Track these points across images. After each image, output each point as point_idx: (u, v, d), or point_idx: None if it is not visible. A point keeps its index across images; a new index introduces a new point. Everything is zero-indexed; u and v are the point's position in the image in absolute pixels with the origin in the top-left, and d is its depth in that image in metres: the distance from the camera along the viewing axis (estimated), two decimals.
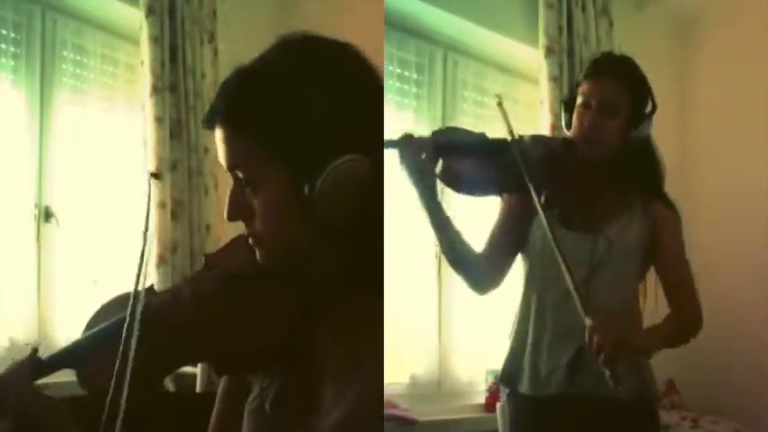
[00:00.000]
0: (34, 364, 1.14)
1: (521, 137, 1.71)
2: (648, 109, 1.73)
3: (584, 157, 1.71)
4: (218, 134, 1.03)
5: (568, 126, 1.76)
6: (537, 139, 1.75)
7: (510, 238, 1.75)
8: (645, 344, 1.66)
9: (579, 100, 1.72)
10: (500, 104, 1.74)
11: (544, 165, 1.67)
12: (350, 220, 1.00)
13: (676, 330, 1.73)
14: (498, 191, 1.70)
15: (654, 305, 1.78)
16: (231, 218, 1.03)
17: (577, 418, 1.68)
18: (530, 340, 1.73)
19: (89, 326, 1.19)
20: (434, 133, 1.68)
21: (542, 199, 1.62)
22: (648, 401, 1.74)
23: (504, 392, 1.85)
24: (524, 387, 1.73)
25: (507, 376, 1.78)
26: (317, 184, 0.97)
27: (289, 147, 0.98)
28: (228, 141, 1.02)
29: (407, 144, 1.60)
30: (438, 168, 1.63)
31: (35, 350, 1.16)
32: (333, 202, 0.98)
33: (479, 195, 1.72)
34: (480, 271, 1.76)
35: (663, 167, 1.79)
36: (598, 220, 1.71)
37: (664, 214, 1.74)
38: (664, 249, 1.73)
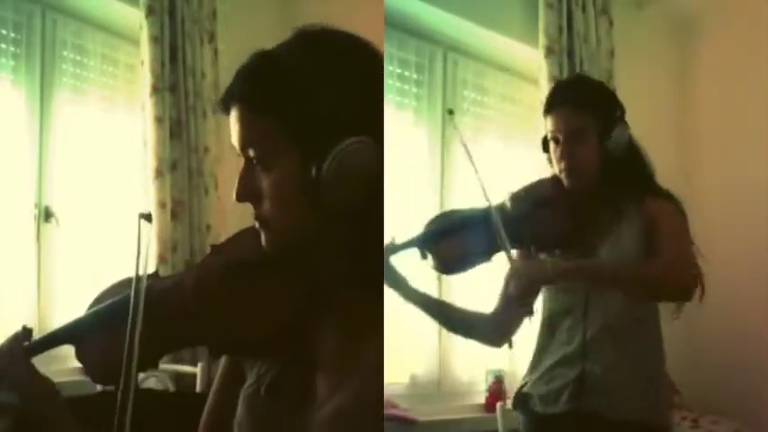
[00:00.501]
0: (25, 339, 1.15)
1: (505, 200, 1.73)
2: (617, 115, 1.74)
3: (572, 188, 1.72)
4: (233, 114, 1.05)
5: (551, 163, 1.77)
6: (520, 192, 1.76)
7: (534, 298, 1.76)
8: (567, 272, 1.59)
9: (549, 137, 1.75)
10: (450, 113, 1.76)
11: (529, 217, 1.69)
12: (356, 203, 1.01)
13: (649, 272, 1.61)
14: (487, 258, 1.70)
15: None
16: (240, 198, 1.05)
17: None
18: (543, 367, 1.76)
19: (91, 307, 1.20)
20: (427, 224, 1.72)
21: (533, 249, 1.69)
22: (658, 427, 1.72)
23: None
24: (536, 405, 1.76)
25: (521, 399, 1.80)
26: (324, 166, 0.99)
27: (301, 129, 1.01)
28: (243, 120, 1.04)
29: None
30: (430, 261, 1.68)
31: (24, 327, 1.17)
32: (339, 183, 0.99)
33: (470, 269, 1.73)
34: (487, 331, 1.83)
35: (650, 164, 1.78)
36: (594, 242, 1.71)
37: (656, 207, 1.71)
38: (658, 237, 1.67)
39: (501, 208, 1.69)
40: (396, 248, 1.67)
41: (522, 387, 1.80)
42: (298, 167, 1.00)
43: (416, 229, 1.71)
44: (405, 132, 2.92)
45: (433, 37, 3.00)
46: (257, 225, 1.06)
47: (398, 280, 1.70)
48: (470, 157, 1.73)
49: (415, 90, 2.99)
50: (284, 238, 1.05)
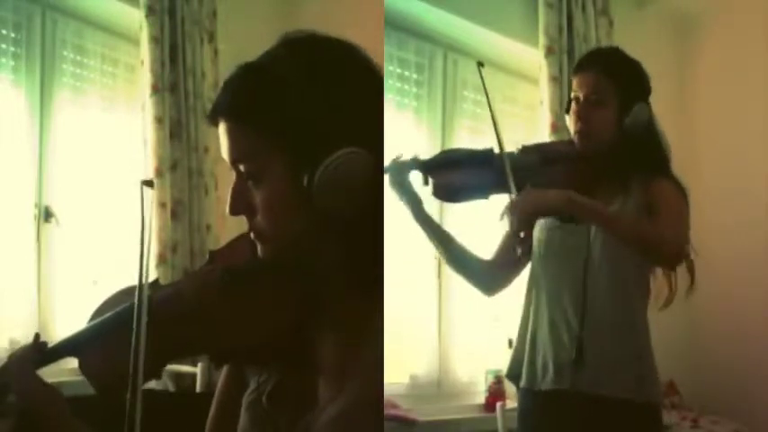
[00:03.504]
0: (37, 351, 1.15)
1: (515, 149, 1.78)
2: (641, 92, 1.75)
3: (583, 152, 1.74)
4: (222, 128, 1.04)
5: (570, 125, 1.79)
6: (532, 145, 1.80)
7: (528, 236, 1.76)
8: (555, 204, 1.59)
9: (572, 96, 1.77)
10: (480, 65, 1.79)
11: (534, 169, 1.72)
12: (349, 213, 1.01)
13: (644, 229, 1.63)
14: (485, 195, 1.75)
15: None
16: (233, 212, 1.04)
17: (571, 412, 1.70)
18: (528, 337, 1.77)
19: (92, 319, 1.20)
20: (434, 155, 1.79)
21: None
22: (645, 404, 1.71)
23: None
24: (523, 381, 1.77)
25: (511, 372, 1.83)
26: (316, 176, 0.98)
27: (290, 140, 1.00)
28: (231, 134, 1.03)
29: (391, 167, 1.73)
30: (430, 187, 1.74)
31: (38, 335, 1.17)
32: (331, 193, 0.98)
33: (466, 201, 1.80)
34: (483, 275, 1.86)
35: (666, 149, 1.80)
36: None
37: (662, 189, 1.71)
38: (656, 216, 1.67)
39: (510, 154, 1.73)
40: (401, 166, 1.73)
41: (512, 362, 1.82)
42: (289, 179, 1.00)
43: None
44: (405, 132, 2.92)
45: (433, 37, 2.99)
46: (252, 236, 1.05)
47: (413, 198, 1.76)
48: (486, 94, 1.78)
49: (415, 90, 2.99)
50: (280, 248, 1.04)
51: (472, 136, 3.02)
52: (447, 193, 1.77)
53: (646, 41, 3.37)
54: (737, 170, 3.32)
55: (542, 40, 2.98)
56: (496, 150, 1.75)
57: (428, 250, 2.81)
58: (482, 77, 1.79)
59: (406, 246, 2.75)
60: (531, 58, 3.04)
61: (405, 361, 2.87)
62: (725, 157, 3.37)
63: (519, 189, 1.67)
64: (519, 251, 1.58)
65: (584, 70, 1.77)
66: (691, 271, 1.72)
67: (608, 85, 1.73)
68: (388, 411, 2.58)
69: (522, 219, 1.56)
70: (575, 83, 1.77)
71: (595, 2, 3.11)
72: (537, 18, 2.99)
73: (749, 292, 3.15)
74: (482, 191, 1.74)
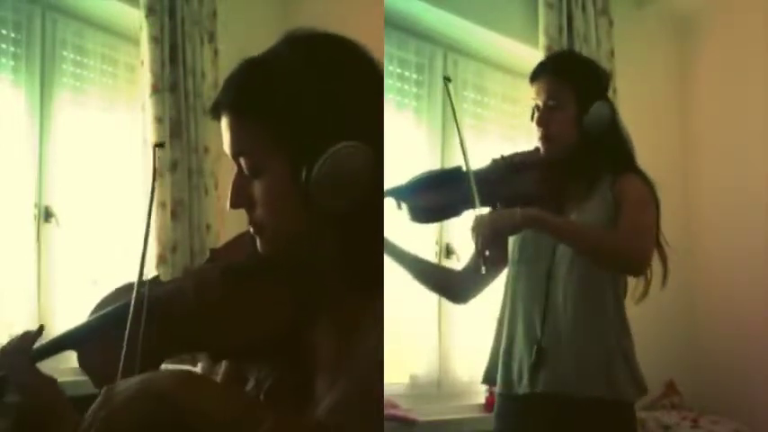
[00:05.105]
0: (34, 342, 1.15)
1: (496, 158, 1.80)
2: (597, 90, 1.78)
3: (548, 157, 1.76)
4: (224, 122, 1.05)
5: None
6: (500, 157, 1.81)
7: (494, 252, 1.77)
8: (516, 222, 1.62)
9: (533, 105, 1.80)
10: (446, 80, 1.80)
11: (503, 179, 1.75)
12: (348, 206, 1.01)
13: (606, 240, 1.66)
14: (456, 213, 1.76)
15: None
16: (233, 205, 1.05)
17: (545, 414, 1.72)
18: (503, 343, 1.81)
19: (92, 314, 1.21)
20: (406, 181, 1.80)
21: (500, 208, 1.74)
22: (616, 402, 1.71)
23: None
24: (499, 386, 1.81)
25: (487, 376, 1.88)
26: (315, 170, 0.98)
27: (291, 134, 1.01)
28: (233, 128, 1.04)
29: None
30: (405, 211, 1.76)
31: (41, 327, 1.18)
32: (329, 187, 0.99)
33: (440, 220, 1.87)
34: (451, 286, 1.90)
35: (629, 144, 1.81)
36: (563, 211, 1.75)
37: (627, 183, 1.73)
38: (621, 210, 1.70)
39: (479, 169, 1.75)
40: None
41: (488, 368, 1.86)
42: (288, 172, 1.00)
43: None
44: (405, 132, 2.92)
45: (433, 37, 3.00)
46: (252, 230, 1.06)
47: None
48: (455, 117, 1.76)
49: (415, 90, 2.99)
50: (279, 242, 1.05)
51: (473, 136, 3.01)
52: (419, 215, 1.78)
53: (646, 41, 3.38)
54: (737, 170, 3.32)
55: (542, 40, 2.98)
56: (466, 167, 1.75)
57: (428, 249, 2.83)
58: (449, 93, 1.78)
59: (407, 244, 2.75)
60: (531, 58, 3.04)
61: (405, 361, 2.87)
62: (725, 157, 3.38)
63: (491, 203, 1.70)
64: (483, 269, 1.60)
65: (539, 78, 1.80)
66: (664, 263, 1.74)
67: (563, 89, 1.76)
68: (388, 411, 2.58)
69: (486, 238, 1.58)
70: (533, 92, 1.80)
71: (595, 2, 3.12)
72: (537, 18, 2.99)
73: (749, 292, 3.15)
74: (453, 208, 1.75)
